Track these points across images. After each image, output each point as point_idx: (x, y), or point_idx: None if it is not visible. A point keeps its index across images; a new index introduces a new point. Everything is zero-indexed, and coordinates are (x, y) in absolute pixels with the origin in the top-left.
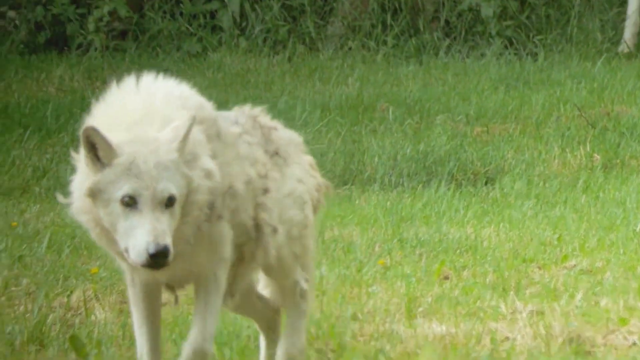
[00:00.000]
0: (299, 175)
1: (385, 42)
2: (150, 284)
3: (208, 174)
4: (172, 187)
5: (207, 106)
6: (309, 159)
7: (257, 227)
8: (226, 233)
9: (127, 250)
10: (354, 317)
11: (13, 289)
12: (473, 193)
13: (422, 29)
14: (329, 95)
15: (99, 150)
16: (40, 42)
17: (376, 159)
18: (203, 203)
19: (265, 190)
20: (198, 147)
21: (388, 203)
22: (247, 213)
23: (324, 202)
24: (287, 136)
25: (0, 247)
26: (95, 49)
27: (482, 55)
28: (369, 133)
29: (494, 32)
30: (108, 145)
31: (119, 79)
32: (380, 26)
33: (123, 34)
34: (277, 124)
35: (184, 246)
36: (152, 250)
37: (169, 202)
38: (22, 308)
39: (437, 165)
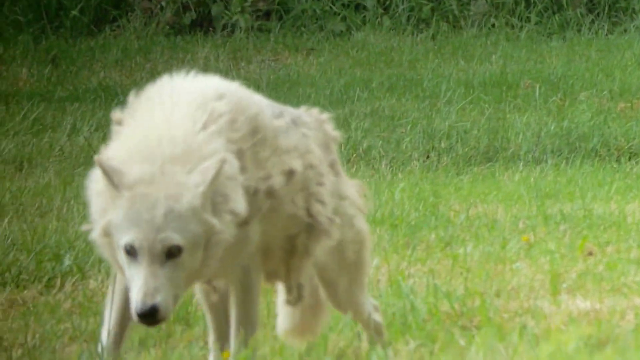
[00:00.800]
0: (352, 193)
1: (528, 19)
2: None
3: (236, 217)
4: (176, 237)
5: (244, 104)
6: (357, 182)
7: (311, 217)
8: (253, 234)
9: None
10: (498, 294)
11: None
12: (617, 169)
13: (565, 5)
14: (473, 73)
15: (115, 183)
16: (186, 23)
17: (520, 136)
18: (228, 241)
19: (320, 184)
20: (228, 186)
21: (532, 179)
22: (294, 204)
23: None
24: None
25: None
26: (240, 30)
27: (626, 30)
28: (513, 110)
29: (637, 8)
30: (115, 184)
31: (263, 60)
32: (523, 3)
33: (267, 14)
34: (336, 136)
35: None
36: (138, 310)
37: (172, 253)
38: None
39: (581, 142)
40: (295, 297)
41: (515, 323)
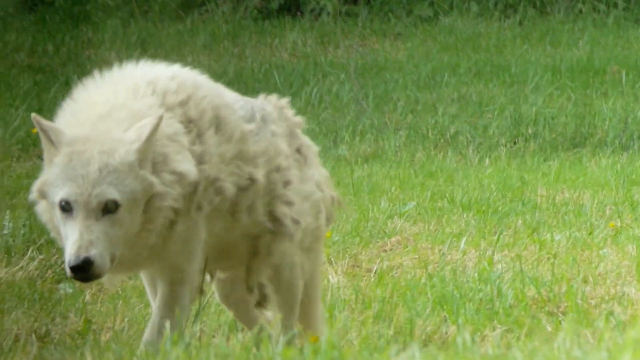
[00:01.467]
0: (318, 179)
1: (615, 5)
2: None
3: (180, 177)
4: (112, 191)
5: (201, 89)
6: (325, 171)
7: (275, 220)
8: (200, 227)
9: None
10: (585, 280)
11: None
12: None
13: None
14: (560, 59)
15: (52, 140)
16: (274, 8)
17: (607, 122)
18: (168, 210)
19: (287, 183)
20: (170, 145)
21: (618, 166)
22: (253, 210)
23: (335, 217)
24: (307, 140)
25: None
26: (328, 14)
27: None
28: (600, 96)
29: None
30: (50, 140)
31: (351, 45)
32: None
33: None
34: (300, 121)
35: (149, 249)
36: (71, 263)
37: (109, 207)
38: None
39: None
40: (257, 297)
41: (602, 309)
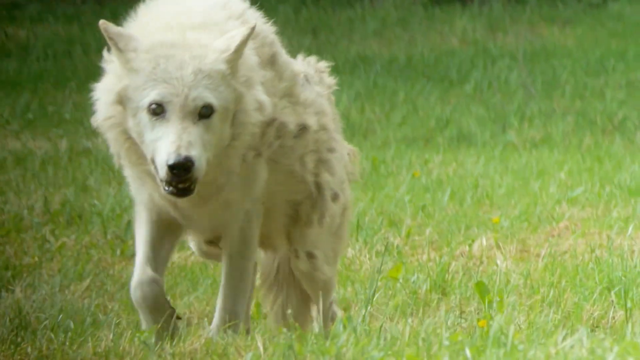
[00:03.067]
0: (347, 148)
1: None
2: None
3: (260, 107)
4: (209, 96)
5: (266, 26)
6: (352, 150)
7: (318, 187)
8: (261, 173)
9: (154, 166)
10: None
11: (416, 238)
12: None
13: None
14: None
15: (121, 48)
16: None
17: None
18: (254, 130)
19: (331, 150)
20: (252, 72)
21: None
22: (303, 164)
23: (356, 175)
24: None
25: (407, 197)
26: (497, 1)
27: None
28: None
29: None
30: (118, 47)
31: (519, 31)
32: None
33: None
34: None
35: (227, 177)
36: (171, 161)
37: (205, 112)
38: (425, 257)
39: None
40: (306, 263)
41: None
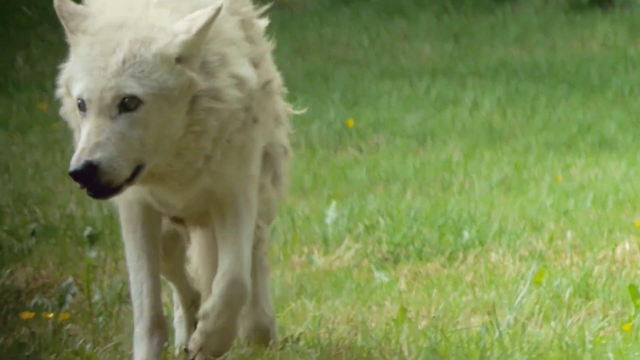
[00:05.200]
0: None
1: None
2: (150, 211)
3: (240, 83)
4: (133, 86)
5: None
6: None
7: (272, 146)
8: (259, 141)
9: None
10: None
11: (559, 242)
12: None
13: None
14: None
15: (70, 28)
16: (584, 1)
17: None
18: (228, 114)
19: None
20: (230, 47)
21: None
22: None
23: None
24: None
25: (548, 202)
26: (638, 5)
27: None
28: None
29: None
30: (68, 27)
31: None
32: None
33: None
34: None
35: (204, 163)
36: (70, 167)
37: (129, 104)
38: (567, 262)
39: None
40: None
41: None
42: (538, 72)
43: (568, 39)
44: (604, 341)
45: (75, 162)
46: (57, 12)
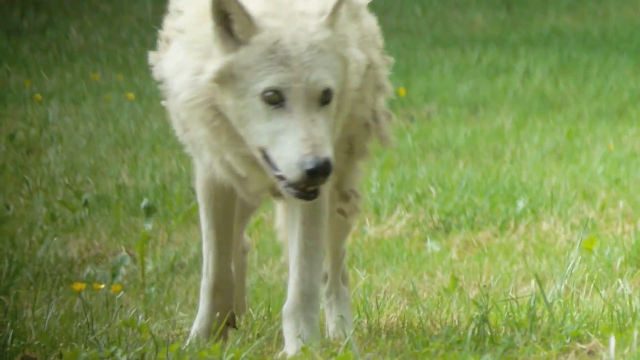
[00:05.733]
0: None
1: None
2: (224, 189)
3: (358, 67)
4: (328, 77)
5: None
6: None
7: (374, 113)
8: (338, 128)
9: (266, 157)
10: None
11: (610, 210)
12: None
13: None
14: None
15: (234, 23)
16: None
17: None
18: (353, 99)
19: (380, 87)
20: (345, 28)
21: None
22: (363, 101)
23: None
24: None
25: (600, 170)
26: None
27: None
28: None
29: None
30: (246, 17)
31: None
32: None
33: None
34: None
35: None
36: (310, 165)
37: (326, 97)
38: (619, 230)
39: None
40: (351, 205)
41: None
42: (590, 40)
43: (620, 6)
44: None
45: (314, 159)
46: (217, 4)
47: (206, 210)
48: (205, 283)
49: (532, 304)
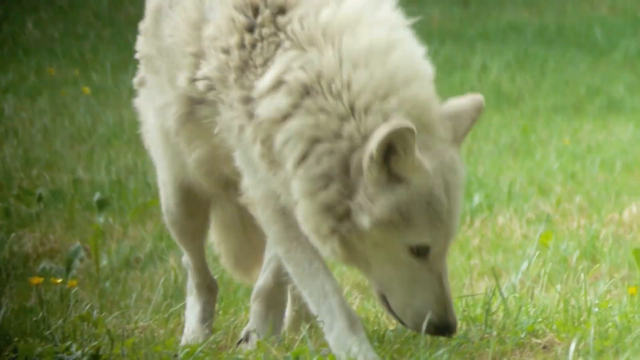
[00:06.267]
0: None
1: None
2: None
3: None
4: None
5: None
6: None
7: None
8: None
9: (384, 299)
10: None
11: (566, 205)
12: None
13: None
14: None
15: (396, 159)
16: None
17: None
18: None
19: None
20: None
21: None
22: None
23: None
24: None
25: (556, 165)
26: None
27: None
28: None
29: None
30: (413, 161)
31: None
32: None
33: None
34: None
35: None
36: (452, 327)
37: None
38: (574, 225)
39: None
40: None
41: None
42: (547, 35)
43: (577, 2)
44: (610, 305)
45: (454, 322)
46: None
47: (299, 244)
48: (339, 330)
49: (487, 298)
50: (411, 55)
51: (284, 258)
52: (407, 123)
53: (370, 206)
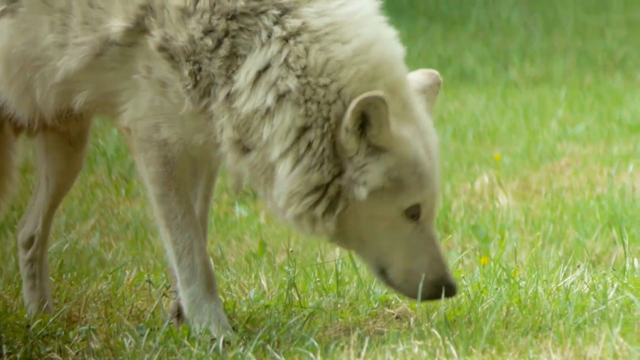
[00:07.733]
0: None
1: None
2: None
3: None
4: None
5: None
6: None
7: None
8: None
9: (382, 270)
10: None
11: None
12: None
13: None
14: None
15: (370, 129)
16: None
17: None
18: None
19: None
20: None
21: None
22: None
23: None
24: None
25: None
26: None
27: None
28: None
29: None
30: (389, 132)
31: None
32: None
33: None
34: None
35: None
36: (452, 286)
37: None
38: None
39: None
40: None
41: None
42: (398, 5)
43: None
44: (462, 275)
45: (454, 282)
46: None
47: (177, 193)
48: (197, 285)
49: (339, 269)
50: (390, 47)
51: (155, 198)
52: (379, 92)
53: (363, 177)
